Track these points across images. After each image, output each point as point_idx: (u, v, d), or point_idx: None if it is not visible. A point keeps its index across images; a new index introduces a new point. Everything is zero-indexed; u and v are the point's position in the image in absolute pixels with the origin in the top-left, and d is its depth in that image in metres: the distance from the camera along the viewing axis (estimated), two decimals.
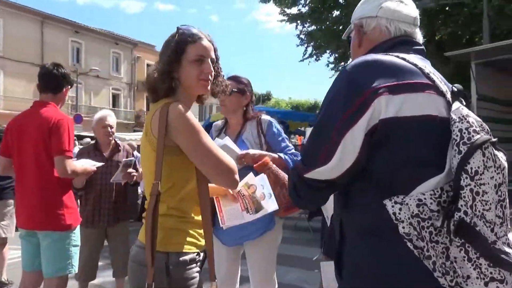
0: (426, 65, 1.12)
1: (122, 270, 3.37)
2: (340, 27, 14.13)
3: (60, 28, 29.22)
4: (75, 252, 2.58)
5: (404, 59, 1.10)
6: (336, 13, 14.38)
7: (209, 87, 1.52)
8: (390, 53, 1.13)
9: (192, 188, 1.46)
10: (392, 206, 1.01)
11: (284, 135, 2.49)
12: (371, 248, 1.06)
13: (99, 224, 3.28)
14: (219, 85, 1.60)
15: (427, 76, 1.08)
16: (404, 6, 1.25)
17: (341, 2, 14.20)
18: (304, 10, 14.28)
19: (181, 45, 1.46)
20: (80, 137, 12.14)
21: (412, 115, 1.03)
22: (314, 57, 14.67)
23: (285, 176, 2.21)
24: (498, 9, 11.89)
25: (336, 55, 14.76)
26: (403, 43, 1.20)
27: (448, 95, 1.09)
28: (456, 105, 1.05)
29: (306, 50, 14.61)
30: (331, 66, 14.79)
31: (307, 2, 14.25)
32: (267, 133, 2.45)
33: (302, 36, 14.64)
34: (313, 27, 14.58)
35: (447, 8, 13.21)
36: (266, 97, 45.15)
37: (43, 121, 2.50)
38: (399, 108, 1.02)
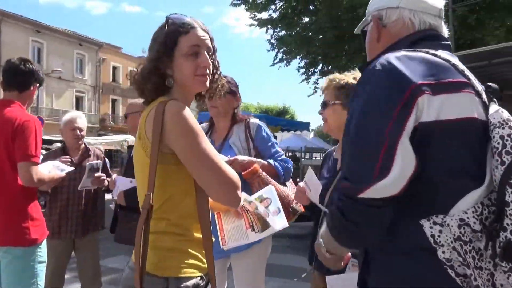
0: (457, 61, 1.01)
1: (90, 284, 3.15)
2: (310, 34, 14.25)
3: (20, 27, 27.89)
4: (41, 270, 2.31)
5: (435, 55, 0.99)
6: (306, 19, 14.49)
7: (207, 83, 1.32)
8: (418, 49, 1.01)
9: (192, 202, 1.27)
10: (431, 227, 0.89)
11: (274, 140, 2.36)
12: (403, 274, 0.93)
13: (66, 235, 3.02)
14: (216, 82, 1.40)
15: (462, 73, 0.97)
16: None
17: (311, 8, 14.33)
18: (274, 15, 14.30)
19: (171, 36, 1.26)
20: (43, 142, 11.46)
21: (453, 118, 0.91)
22: (285, 62, 14.70)
23: (275, 184, 2.07)
24: (462, 19, 12.32)
25: (307, 60, 14.85)
26: (430, 37, 1.09)
27: (484, 95, 0.98)
28: (494, 107, 0.95)
29: (276, 55, 14.62)
30: (302, 71, 14.87)
31: (278, 7, 14.29)
32: (256, 137, 2.31)
33: (273, 41, 14.65)
34: (284, 32, 14.65)
35: None
36: None
37: (6, 122, 2.22)
38: (439, 110, 0.90)
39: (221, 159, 1.22)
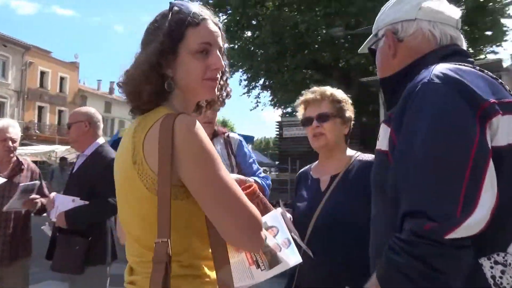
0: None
1: None
2: (252, 48, 14.38)
3: None
4: None
5: (482, 71, 0.90)
6: (249, 33, 14.64)
7: (216, 90, 1.09)
8: (463, 63, 0.92)
9: (203, 239, 1.03)
10: (491, 268, 0.79)
11: (253, 156, 2.22)
12: None
13: None
14: (222, 89, 1.17)
15: (509, 92, 0.89)
16: (446, 6, 1.07)
17: (254, 23, 14.51)
18: None
19: (178, 28, 1.02)
20: None
21: None
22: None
23: (270, 206, 1.88)
24: None
25: (249, 74, 14.95)
26: (458, 53, 1.00)
27: None
28: None
29: None
30: (244, 83, 14.94)
31: (221, 20, 14.30)
32: (238, 153, 2.18)
33: None
34: (226, 45, 14.67)
35: (349, 37, 14.31)
36: None
37: None
38: (509, 133, 0.81)
39: (240, 189, 0.98)
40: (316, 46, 14.98)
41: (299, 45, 14.82)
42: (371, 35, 1.17)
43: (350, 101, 1.76)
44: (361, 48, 1.25)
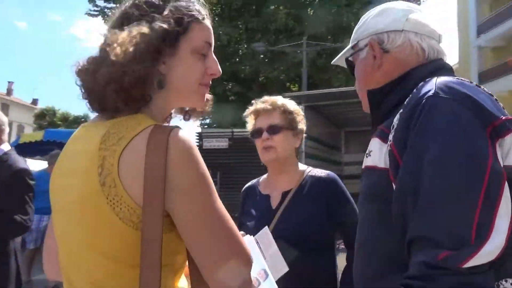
0: None
1: None
2: None
3: None
4: None
5: (479, 86, 0.87)
6: None
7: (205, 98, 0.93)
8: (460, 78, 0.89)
9: (179, 277, 0.85)
10: None
11: None
12: None
13: None
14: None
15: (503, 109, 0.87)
16: (430, 19, 1.04)
17: None
18: None
19: (184, 20, 0.85)
20: None
21: None
22: None
23: None
24: (312, 61, 13.88)
25: None
26: (445, 68, 0.98)
27: None
28: None
29: None
30: None
31: None
32: None
33: None
34: None
35: (268, 55, 14.77)
36: (84, 119, 41.33)
37: None
38: None
39: (235, 225, 0.82)
40: (237, 59, 15.14)
41: (221, 57, 14.81)
42: (348, 46, 1.12)
43: (302, 112, 1.69)
44: (335, 59, 1.19)
